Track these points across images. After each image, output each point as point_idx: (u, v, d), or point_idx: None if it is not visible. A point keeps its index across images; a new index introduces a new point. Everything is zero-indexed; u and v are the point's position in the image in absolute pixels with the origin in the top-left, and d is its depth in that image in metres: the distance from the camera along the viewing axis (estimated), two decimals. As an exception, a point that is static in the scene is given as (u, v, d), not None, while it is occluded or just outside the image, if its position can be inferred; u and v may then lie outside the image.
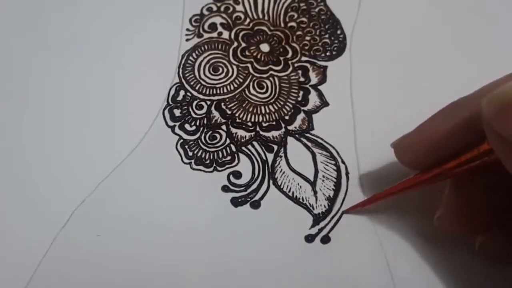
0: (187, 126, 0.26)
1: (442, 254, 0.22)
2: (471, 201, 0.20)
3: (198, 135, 0.25)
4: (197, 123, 0.26)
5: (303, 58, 0.28)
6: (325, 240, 0.23)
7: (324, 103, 0.26)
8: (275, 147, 0.25)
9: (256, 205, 0.24)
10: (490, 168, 0.18)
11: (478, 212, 0.20)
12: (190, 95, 0.27)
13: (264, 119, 0.26)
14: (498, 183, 0.19)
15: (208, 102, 0.26)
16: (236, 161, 0.25)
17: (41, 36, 0.28)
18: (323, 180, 0.24)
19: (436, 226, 0.21)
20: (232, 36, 0.28)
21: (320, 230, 0.23)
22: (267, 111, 0.26)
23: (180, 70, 0.27)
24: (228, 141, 0.25)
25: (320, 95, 0.27)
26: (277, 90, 0.27)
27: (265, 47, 0.28)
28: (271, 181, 0.24)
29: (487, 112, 0.16)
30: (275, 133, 0.26)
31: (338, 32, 0.29)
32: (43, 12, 0.29)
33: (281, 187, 0.24)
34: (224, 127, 0.26)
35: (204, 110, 0.26)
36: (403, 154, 0.21)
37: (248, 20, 0.29)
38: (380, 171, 0.24)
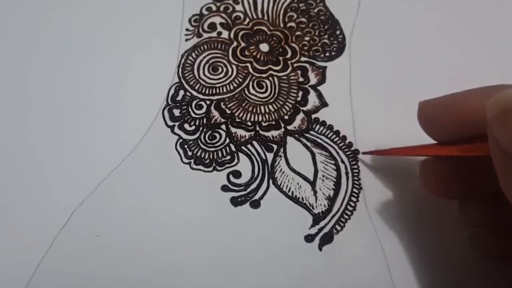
0: (186, 126, 0.26)
1: (442, 255, 0.22)
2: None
3: (197, 134, 0.25)
4: (197, 123, 0.26)
5: (303, 59, 0.28)
6: (325, 240, 0.23)
7: (323, 104, 0.26)
8: (275, 146, 0.25)
9: (255, 204, 0.24)
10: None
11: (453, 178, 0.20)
12: (189, 94, 0.27)
13: (264, 119, 0.26)
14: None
15: (208, 102, 0.26)
16: (236, 160, 0.25)
17: (42, 38, 0.28)
18: (323, 180, 0.24)
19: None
20: (232, 36, 0.28)
21: (320, 229, 0.23)
22: (267, 110, 0.26)
23: (180, 70, 0.27)
24: (227, 140, 0.25)
25: (320, 95, 0.27)
26: (277, 90, 0.27)
27: (264, 47, 0.28)
28: (270, 181, 0.24)
29: (489, 114, 0.16)
30: (275, 133, 0.26)
31: (337, 32, 0.29)
32: (44, 12, 0.29)
33: (281, 186, 0.24)
34: (223, 126, 0.26)
35: (204, 109, 0.26)
36: (426, 119, 0.20)
37: (247, 20, 0.29)
38: (379, 171, 0.24)
